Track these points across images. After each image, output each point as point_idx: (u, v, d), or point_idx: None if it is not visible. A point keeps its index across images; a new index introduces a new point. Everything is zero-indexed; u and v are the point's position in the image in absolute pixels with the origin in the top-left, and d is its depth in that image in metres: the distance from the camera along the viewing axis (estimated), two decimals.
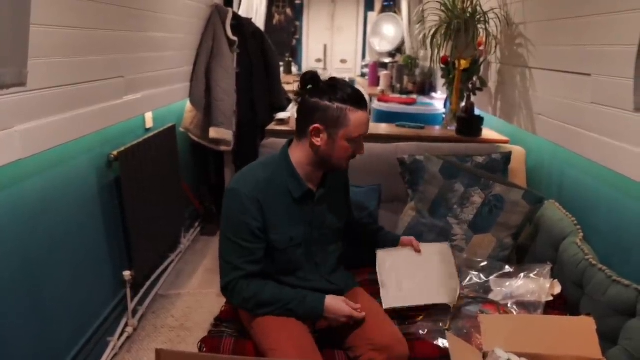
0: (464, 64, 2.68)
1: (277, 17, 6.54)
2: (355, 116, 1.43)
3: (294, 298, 1.48)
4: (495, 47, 2.55)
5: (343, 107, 1.43)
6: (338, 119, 1.43)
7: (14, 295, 1.59)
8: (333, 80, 1.48)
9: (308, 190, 1.52)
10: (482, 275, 1.87)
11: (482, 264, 1.89)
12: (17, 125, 1.47)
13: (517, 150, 2.28)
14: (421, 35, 2.67)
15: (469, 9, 2.49)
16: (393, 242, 1.84)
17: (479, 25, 2.48)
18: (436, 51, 2.63)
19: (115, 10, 2.04)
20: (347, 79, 6.70)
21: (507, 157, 2.17)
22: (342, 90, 1.43)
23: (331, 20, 6.98)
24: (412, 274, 1.76)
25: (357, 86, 6.78)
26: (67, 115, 1.73)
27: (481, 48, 2.76)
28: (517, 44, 2.33)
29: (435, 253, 1.84)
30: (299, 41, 6.98)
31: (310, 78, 1.49)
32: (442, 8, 2.53)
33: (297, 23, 6.89)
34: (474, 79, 2.74)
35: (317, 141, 1.46)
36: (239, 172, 1.54)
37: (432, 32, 2.55)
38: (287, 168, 1.51)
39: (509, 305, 1.71)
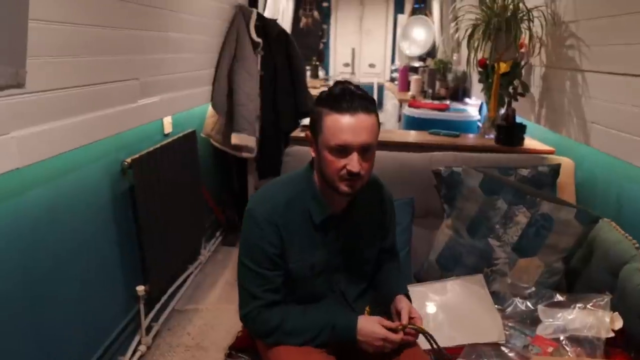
0: (504, 67, 2.47)
1: (304, 20, 6.41)
2: (329, 120, 1.19)
3: (323, 327, 1.30)
4: (540, 48, 2.33)
5: (320, 110, 1.22)
6: (316, 123, 1.23)
7: (14, 313, 1.46)
8: (343, 83, 1.28)
9: (331, 214, 1.33)
10: (528, 303, 1.67)
11: (529, 291, 1.69)
12: (14, 131, 1.34)
13: (565, 162, 2.05)
14: (456, 36, 2.47)
15: (511, 7, 2.28)
16: (386, 297, 1.45)
17: (521, 25, 2.27)
18: (473, 53, 2.43)
19: (129, 8, 1.92)
20: (374, 84, 6.55)
21: (555, 169, 1.95)
22: (327, 91, 1.25)
23: (359, 24, 6.81)
24: (444, 319, 1.60)
25: (386, 91, 6.60)
26: (73, 121, 1.60)
27: (523, 50, 2.55)
28: (566, 45, 2.11)
29: (467, 289, 1.67)
30: (327, 45, 6.84)
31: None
32: (481, 6, 2.32)
33: (325, 26, 6.75)
34: (515, 83, 2.53)
35: (312, 152, 1.30)
36: (259, 190, 1.38)
37: (468, 31, 2.35)
38: (309, 188, 1.33)
39: (561, 340, 1.50)
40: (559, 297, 1.63)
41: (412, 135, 2.72)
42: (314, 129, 1.25)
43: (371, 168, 1.27)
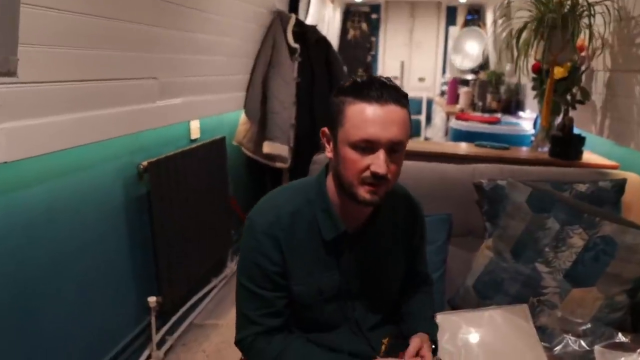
0: (560, 72, 2.20)
1: (351, 32, 6.28)
2: (352, 110, 1.00)
3: None
4: (602, 49, 2.05)
5: (341, 100, 1.03)
6: (336, 116, 1.03)
7: (4, 323, 1.36)
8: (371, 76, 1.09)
9: (345, 231, 1.12)
10: (582, 342, 1.40)
11: (584, 327, 1.42)
12: (3, 123, 1.25)
13: (632, 178, 1.77)
14: (505, 33, 2.22)
15: (568, 2, 2.02)
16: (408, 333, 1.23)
17: (581, 21, 2.00)
18: (523, 55, 2.17)
19: (146, 2, 1.81)
20: (424, 99, 6.30)
21: (619, 185, 1.67)
22: (351, 80, 1.05)
23: (410, 36, 6.61)
24: (478, 356, 1.35)
25: (435, 106, 6.34)
26: (74, 117, 1.50)
27: (583, 54, 2.27)
28: (637, 43, 1.83)
29: (508, 322, 1.42)
30: (375, 57, 6.67)
31: None
32: (535, 2, 2.07)
33: (373, 38, 6.59)
34: (574, 90, 2.25)
35: (328, 151, 1.08)
36: (264, 198, 1.17)
37: (518, 29, 2.10)
38: (319, 198, 1.12)
39: None
40: (621, 338, 1.37)
41: (454, 147, 2.49)
42: (333, 123, 1.05)
43: (398, 173, 1.05)
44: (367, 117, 0.98)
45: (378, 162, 0.99)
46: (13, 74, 1.24)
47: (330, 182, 1.12)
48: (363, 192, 1.02)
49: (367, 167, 1.00)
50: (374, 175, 0.99)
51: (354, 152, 1.00)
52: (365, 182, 1.01)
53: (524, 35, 2.07)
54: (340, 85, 1.06)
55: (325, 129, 1.08)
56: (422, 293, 1.36)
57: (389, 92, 0.99)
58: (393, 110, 0.99)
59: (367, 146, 0.99)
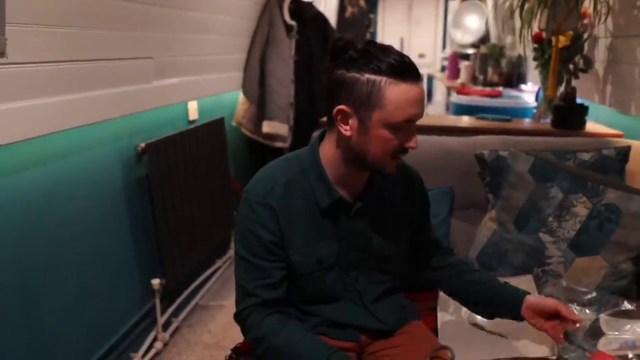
0: (563, 40, 2.16)
1: (349, 9, 6.17)
2: (394, 91, 1.00)
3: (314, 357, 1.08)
4: (607, 14, 2.00)
5: (377, 79, 1.00)
6: (369, 96, 1.01)
7: (5, 309, 1.36)
8: (368, 44, 1.05)
9: (340, 198, 1.12)
10: (587, 311, 1.40)
11: (589, 296, 1.42)
12: None
13: (637, 146, 1.74)
14: (507, 4, 2.18)
15: None
16: (514, 304, 1.21)
17: None
18: (527, 25, 2.13)
19: None
20: (424, 76, 6.24)
21: (623, 153, 1.65)
22: (377, 57, 1.00)
23: (409, 12, 6.52)
24: (483, 328, 1.35)
25: (436, 82, 6.28)
26: (67, 98, 1.47)
27: (586, 21, 2.23)
28: (639, 5, 1.79)
29: None
30: (373, 35, 6.60)
31: (342, 47, 1.05)
32: None
33: (372, 16, 6.50)
34: (576, 59, 2.21)
35: (346, 129, 1.05)
36: (260, 170, 1.18)
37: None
38: (313, 167, 1.13)
39: (629, 358, 1.23)
40: (627, 306, 1.36)
41: (456, 120, 2.46)
42: (365, 102, 1.02)
43: None
44: (410, 98, 1.01)
45: (414, 138, 1.05)
46: (2, 54, 1.22)
47: (324, 151, 1.12)
48: (391, 167, 1.09)
49: (400, 144, 1.05)
50: (407, 149, 1.06)
51: (389, 132, 1.03)
52: (395, 157, 1.08)
53: (528, 4, 2.03)
54: (372, 63, 1.00)
55: (345, 108, 1.04)
56: (459, 264, 1.33)
57: (417, 70, 1.03)
58: (422, 88, 1.04)
59: (405, 125, 1.03)
